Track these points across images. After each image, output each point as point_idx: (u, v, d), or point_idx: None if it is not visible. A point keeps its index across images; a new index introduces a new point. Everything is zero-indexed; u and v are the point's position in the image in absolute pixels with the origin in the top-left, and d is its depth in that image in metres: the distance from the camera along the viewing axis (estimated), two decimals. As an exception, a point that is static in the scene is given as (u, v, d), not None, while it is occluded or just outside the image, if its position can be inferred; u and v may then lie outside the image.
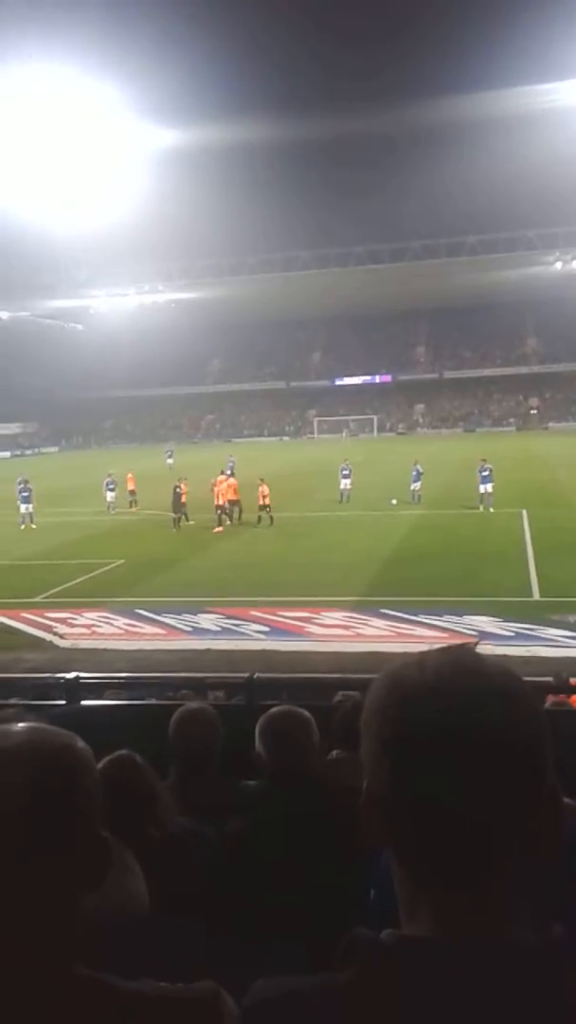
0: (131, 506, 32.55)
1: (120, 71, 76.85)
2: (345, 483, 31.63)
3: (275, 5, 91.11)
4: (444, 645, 0.98)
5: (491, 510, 27.07)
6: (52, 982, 0.97)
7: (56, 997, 0.96)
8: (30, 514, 29.45)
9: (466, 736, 0.87)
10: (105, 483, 32.84)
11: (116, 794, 2.16)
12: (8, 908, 0.96)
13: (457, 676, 0.91)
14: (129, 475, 33.64)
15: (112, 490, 32.53)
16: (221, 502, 27.12)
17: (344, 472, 31.76)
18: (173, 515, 27.39)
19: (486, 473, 27.91)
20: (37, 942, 0.97)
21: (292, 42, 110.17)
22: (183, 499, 27.28)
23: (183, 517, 27.32)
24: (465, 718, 0.88)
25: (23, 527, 28.88)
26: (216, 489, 27.29)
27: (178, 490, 27.36)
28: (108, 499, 32.42)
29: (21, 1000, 0.95)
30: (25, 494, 29.48)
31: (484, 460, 28.67)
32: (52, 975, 0.97)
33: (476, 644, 0.97)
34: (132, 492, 33.10)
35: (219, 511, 27.07)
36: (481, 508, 27.36)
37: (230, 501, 27.35)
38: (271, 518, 26.73)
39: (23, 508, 29.43)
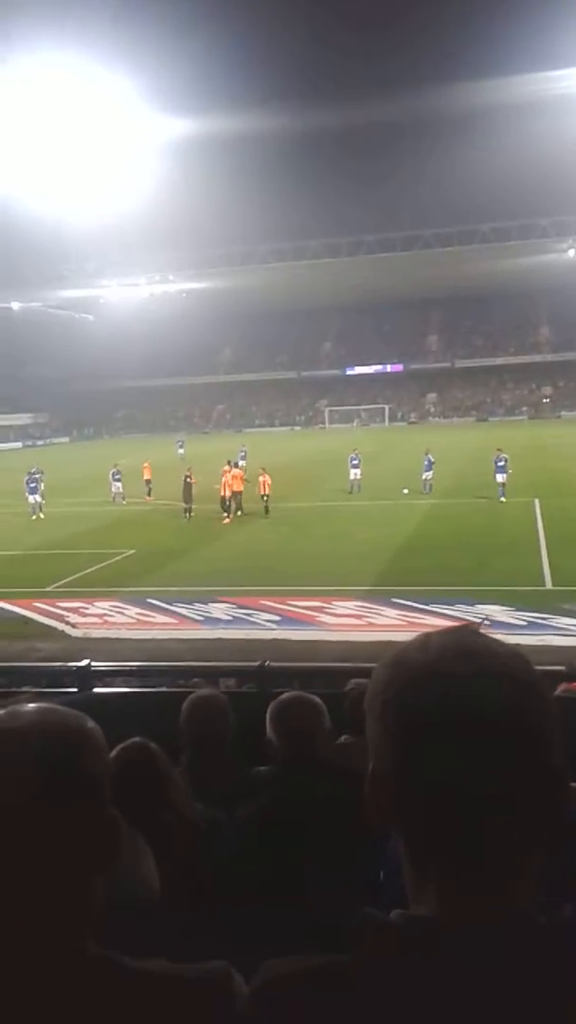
0: (148, 495, 32.56)
1: (130, 60, 76.60)
2: (355, 473, 31.54)
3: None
4: (449, 626, 0.98)
5: (503, 499, 27.01)
6: (63, 960, 0.97)
7: (67, 975, 0.97)
8: (39, 504, 29.55)
9: (469, 718, 0.87)
10: (112, 473, 32.74)
11: (130, 780, 2.17)
12: (17, 884, 0.97)
13: (460, 657, 0.91)
14: (145, 464, 33.61)
15: (118, 480, 32.42)
16: (226, 492, 27.18)
17: (354, 462, 31.65)
18: (184, 505, 27.44)
19: (502, 463, 27.85)
20: (47, 920, 0.98)
21: (303, 30, 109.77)
22: (193, 489, 27.35)
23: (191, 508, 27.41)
24: (468, 700, 0.87)
25: (34, 517, 28.99)
26: (223, 480, 27.35)
27: (188, 480, 27.41)
28: (114, 490, 32.35)
29: (32, 979, 0.95)
30: (32, 484, 29.54)
31: (500, 450, 28.63)
32: (63, 953, 0.98)
33: (480, 625, 0.96)
34: (148, 481, 33.09)
35: (225, 501, 27.13)
36: (504, 499, 27.25)
37: (234, 492, 27.39)
38: (267, 508, 26.88)
39: (31, 499, 29.52)
